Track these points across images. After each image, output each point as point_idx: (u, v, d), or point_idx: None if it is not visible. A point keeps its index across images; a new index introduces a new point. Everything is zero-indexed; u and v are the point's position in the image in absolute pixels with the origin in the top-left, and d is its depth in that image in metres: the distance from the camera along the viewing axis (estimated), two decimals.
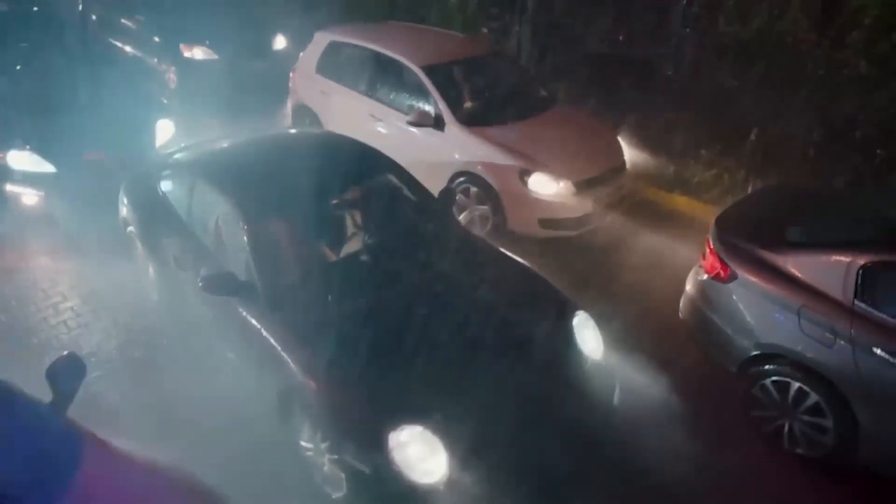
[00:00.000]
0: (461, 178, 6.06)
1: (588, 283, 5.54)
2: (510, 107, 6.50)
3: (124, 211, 5.17)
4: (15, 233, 5.83)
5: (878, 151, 6.02)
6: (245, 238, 3.97)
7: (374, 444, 3.22)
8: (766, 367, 3.98)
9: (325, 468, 3.54)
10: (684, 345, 4.64)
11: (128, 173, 5.40)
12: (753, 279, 4.00)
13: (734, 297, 4.10)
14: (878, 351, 3.48)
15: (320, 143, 4.97)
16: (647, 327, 4.96)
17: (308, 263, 4.05)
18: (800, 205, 4.37)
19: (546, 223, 5.83)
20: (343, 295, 3.87)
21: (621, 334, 4.83)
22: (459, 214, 6.19)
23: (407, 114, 6.35)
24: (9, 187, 5.84)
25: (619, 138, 6.59)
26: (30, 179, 5.82)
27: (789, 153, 6.60)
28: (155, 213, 4.86)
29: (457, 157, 6.07)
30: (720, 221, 4.38)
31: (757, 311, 3.99)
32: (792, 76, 6.36)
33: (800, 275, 3.83)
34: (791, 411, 3.94)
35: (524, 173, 5.74)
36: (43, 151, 5.83)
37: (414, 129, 6.25)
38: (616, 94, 8.04)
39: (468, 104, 6.40)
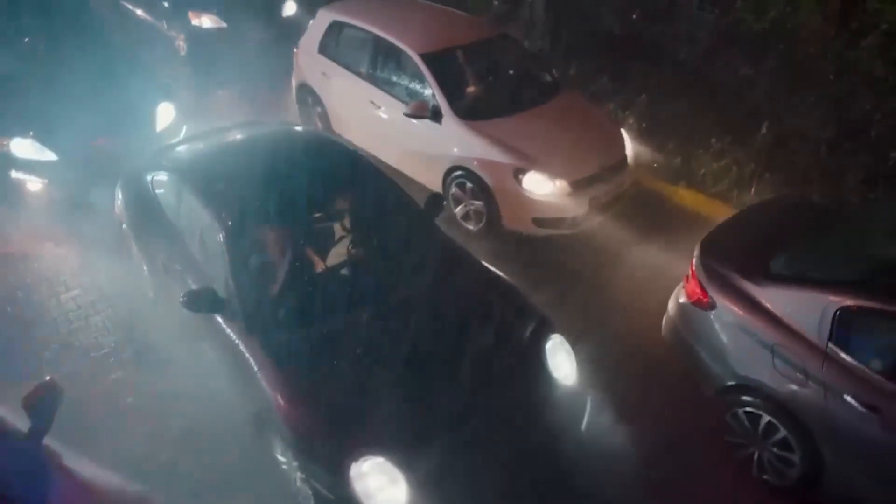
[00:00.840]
0: (458, 172, 6.01)
1: (577, 287, 5.54)
2: (511, 97, 6.35)
3: (118, 207, 5.26)
4: (21, 220, 6.00)
5: (891, 154, 5.77)
6: (225, 255, 4.03)
7: (337, 473, 3.34)
8: (740, 397, 3.99)
9: (297, 483, 3.70)
10: (665, 361, 4.62)
11: (127, 162, 5.46)
12: (732, 310, 3.96)
13: (713, 326, 4.07)
14: (848, 397, 3.46)
15: (306, 149, 4.91)
16: (630, 338, 4.96)
17: (287, 283, 4.09)
18: (791, 228, 4.26)
19: (540, 222, 5.79)
20: (319, 317, 3.93)
21: (603, 345, 4.85)
22: (455, 207, 6.18)
23: (405, 102, 6.25)
24: (13, 174, 5.96)
25: (623, 130, 6.41)
26: (32, 167, 5.93)
27: (800, 149, 6.38)
28: (146, 214, 4.93)
29: (454, 150, 5.99)
30: (705, 245, 4.31)
31: (734, 342, 3.97)
32: (807, 71, 6.06)
33: (777, 311, 3.77)
34: (761, 442, 3.96)
35: (519, 172, 5.66)
36: (44, 139, 5.91)
37: (412, 120, 6.16)
38: (628, 74, 7.77)
39: (467, 95, 6.27)
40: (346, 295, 4.09)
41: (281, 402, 3.60)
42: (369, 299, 4.07)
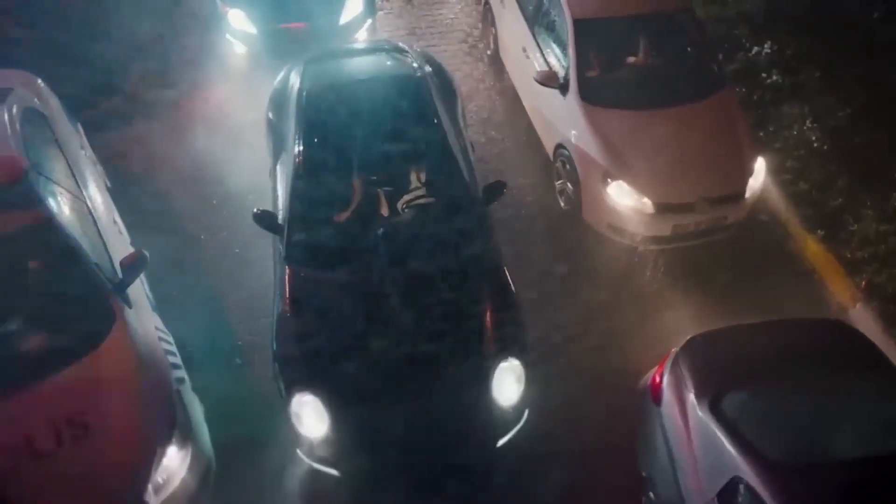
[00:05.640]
0: (563, 150, 6.03)
1: (609, 303, 5.56)
2: (651, 89, 5.93)
3: (270, 96, 6.29)
4: (226, 74, 7.48)
5: None
6: (289, 189, 4.96)
7: (287, 393, 4.41)
8: (647, 489, 4.18)
9: None
10: (627, 414, 4.55)
11: (310, 48, 6.39)
12: (669, 419, 4.00)
13: (651, 420, 4.17)
14: None
15: (403, 111, 5.22)
16: (614, 377, 4.98)
17: (328, 232, 4.91)
18: (779, 369, 3.94)
19: (614, 229, 5.74)
20: (341, 272, 4.69)
21: (584, 374, 5.07)
22: (556, 180, 6.28)
23: (546, 63, 6.20)
24: (228, 37, 7.37)
25: (760, 160, 5.70)
26: (239, 35, 7.26)
27: None
28: (278, 109, 5.78)
29: (568, 130, 5.93)
30: (691, 343, 4.19)
31: (657, 445, 4.07)
32: None
33: (696, 442, 3.78)
34: None
35: (608, 175, 5.57)
36: (250, 15, 7.11)
37: None
38: (844, 78, 6.51)
39: (604, 75, 5.98)
40: (373, 256, 4.73)
41: (279, 320, 4.66)
42: (389, 266, 4.73)
